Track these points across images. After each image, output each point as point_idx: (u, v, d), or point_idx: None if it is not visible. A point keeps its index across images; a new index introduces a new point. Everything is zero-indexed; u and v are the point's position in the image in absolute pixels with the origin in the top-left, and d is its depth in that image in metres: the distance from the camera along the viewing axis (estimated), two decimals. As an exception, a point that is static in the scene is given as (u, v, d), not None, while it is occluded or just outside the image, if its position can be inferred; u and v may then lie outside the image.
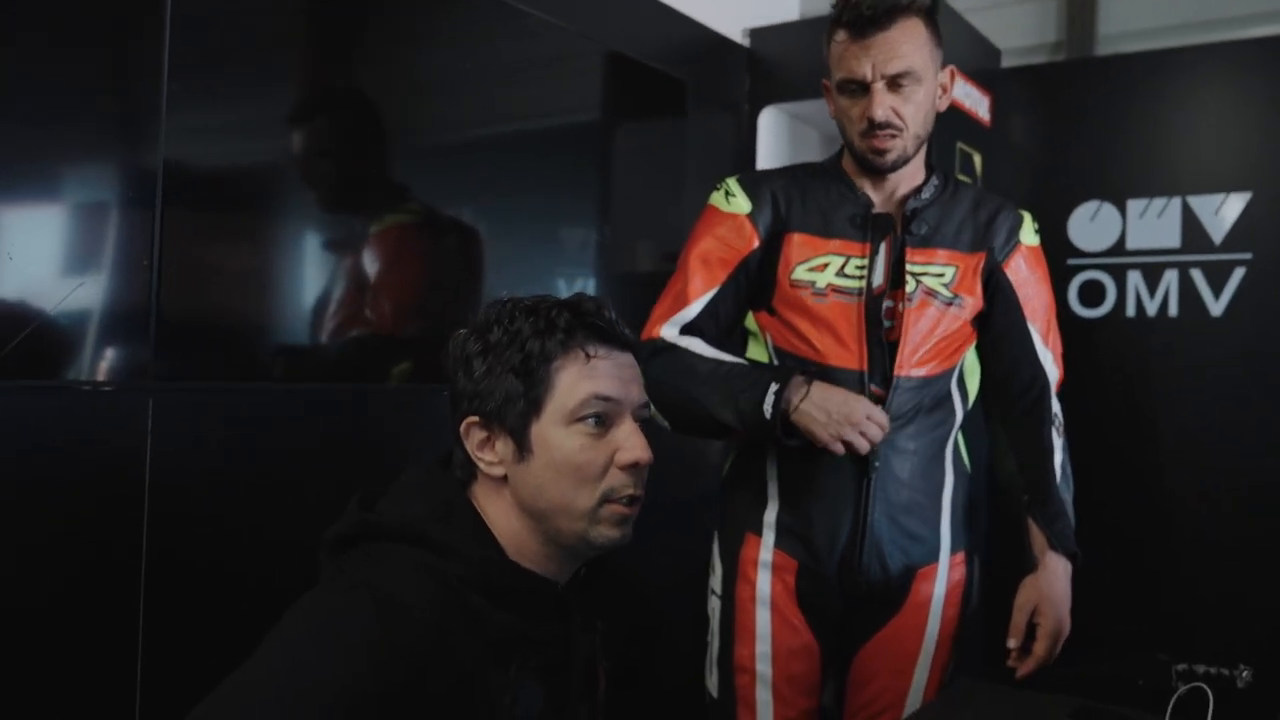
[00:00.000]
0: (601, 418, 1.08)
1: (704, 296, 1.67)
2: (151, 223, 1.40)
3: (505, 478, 1.10)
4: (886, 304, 1.63)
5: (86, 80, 1.37)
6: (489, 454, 1.11)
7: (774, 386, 1.54)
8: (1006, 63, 2.85)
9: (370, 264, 1.79)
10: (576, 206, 2.26)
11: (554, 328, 1.08)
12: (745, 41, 2.74)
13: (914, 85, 1.57)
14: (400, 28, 1.83)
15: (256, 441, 1.55)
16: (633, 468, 1.08)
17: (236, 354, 1.56)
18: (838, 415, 1.53)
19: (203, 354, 1.50)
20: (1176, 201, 2.53)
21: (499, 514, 1.11)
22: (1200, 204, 2.51)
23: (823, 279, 1.64)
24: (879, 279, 1.64)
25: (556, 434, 1.08)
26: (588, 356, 1.08)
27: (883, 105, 1.56)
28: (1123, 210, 2.60)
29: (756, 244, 1.67)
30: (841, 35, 1.58)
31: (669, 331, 1.67)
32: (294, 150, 1.66)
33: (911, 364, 1.63)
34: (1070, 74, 2.78)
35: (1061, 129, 2.72)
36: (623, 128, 2.38)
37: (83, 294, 1.34)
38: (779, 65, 2.66)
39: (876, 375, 1.62)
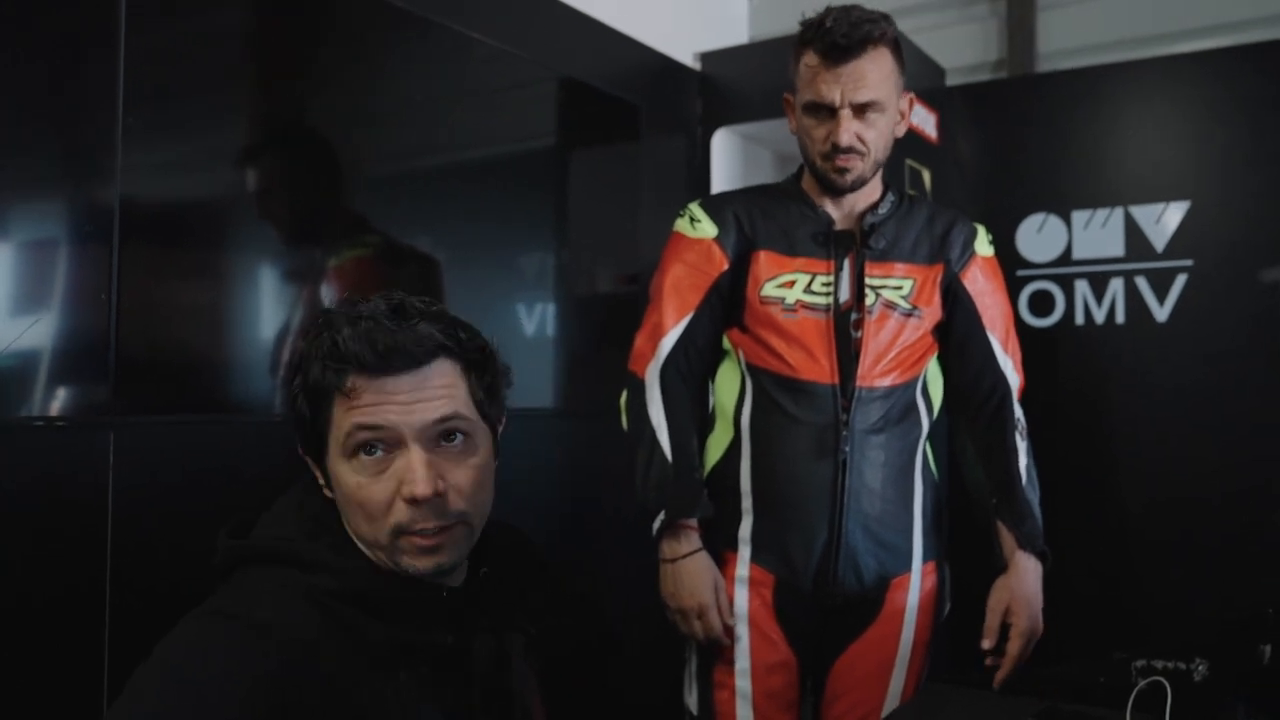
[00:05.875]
0: (373, 447, 1.02)
1: (679, 325, 1.72)
2: (109, 257, 1.39)
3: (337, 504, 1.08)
4: (854, 316, 1.67)
5: (40, 116, 1.36)
6: (320, 478, 1.09)
7: (662, 516, 1.65)
8: (951, 81, 2.92)
9: (330, 297, 1.79)
10: (534, 231, 2.28)
11: (322, 353, 1.02)
12: (697, 65, 2.78)
13: (878, 113, 1.63)
14: (354, 57, 1.84)
15: (219, 474, 1.54)
16: (414, 503, 1.01)
17: (197, 387, 1.55)
18: (693, 600, 1.65)
19: (163, 387, 1.49)
20: (1119, 212, 2.60)
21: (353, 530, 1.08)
22: (1142, 214, 2.58)
23: (791, 295, 1.68)
24: (845, 294, 1.68)
25: (340, 469, 1.04)
26: (350, 389, 1.01)
27: (848, 131, 1.61)
28: (1068, 221, 2.66)
29: (726, 266, 1.72)
30: (813, 59, 1.62)
31: (651, 372, 1.73)
32: (250, 183, 1.66)
33: (874, 375, 1.66)
34: (1013, 91, 2.85)
35: (1006, 144, 2.78)
36: (578, 152, 2.40)
37: (41, 329, 1.33)
38: (730, 88, 2.70)
39: (848, 388, 1.65)
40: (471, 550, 1.12)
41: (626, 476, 1.73)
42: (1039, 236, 2.69)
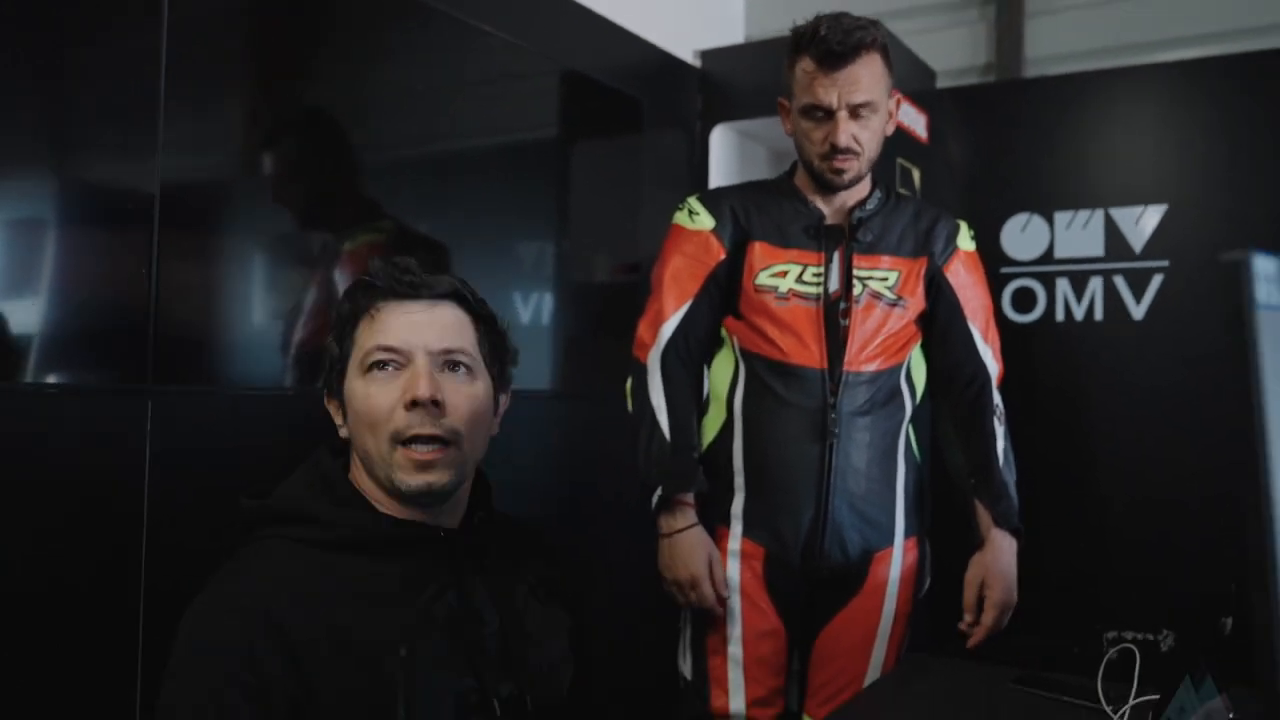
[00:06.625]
0: (385, 364, 1.15)
1: (678, 312, 1.80)
2: (150, 235, 1.46)
3: (349, 438, 1.20)
4: (843, 305, 1.76)
5: (84, 100, 1.43)
6: (338, 418, 1.21)
7: (659, 493, 1.74)
8: (941, 84, 2.99)
9: (343, 281, 1.85)
10: (536, 221, 2.33)
11: (356, 292, 1.20)
12: (697, 62, 2.85)
13: (872, 114, 1.71)
14: (362, 47, 1.88)
15: (254, 443, 1.60)
16: (414, 406, 1.12)
17: (230, 360, 1.62)
18: (686, 572, 1.73)
19: (200, 358, 1.56)
20: (1100, 213, 2.69)
21: (362, 476, 1.19)
22: (1121, 215, 2.67)
23: (784, 285, 1.76)
24: (835, 285, 1.76)
25: (355, 385, 1.17)
26: (374, 312, 1.17)
27: (846, 132, 1.69)
28: (1050, 221, 2.75)
29: (723, 256, 1.79)
30: (809, 65, 1.70)
31: (652, 357, 1.81)
32: (272, 166, 1.72)
33: (860, 360, 1.75)
34: (1000, 95, 2.93)
35: (993, 146, 2.86)
36: (581, 145, 2.45)
37: (86, 301, 1.40)
38: (729, 85, 2.77)
39: (836, 372, 1.74)
40: (468, 505, 1.23)
41: (628, 456, 1.81)
42: (1022, 235, 2.78)
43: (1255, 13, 2.75)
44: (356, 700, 1.05)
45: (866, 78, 1.69)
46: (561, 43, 2.35)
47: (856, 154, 1.72)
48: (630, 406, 1.84)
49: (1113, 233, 2.68)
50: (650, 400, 1.78)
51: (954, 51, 3.14)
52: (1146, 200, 2.64)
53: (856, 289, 1.75)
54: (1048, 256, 2.75)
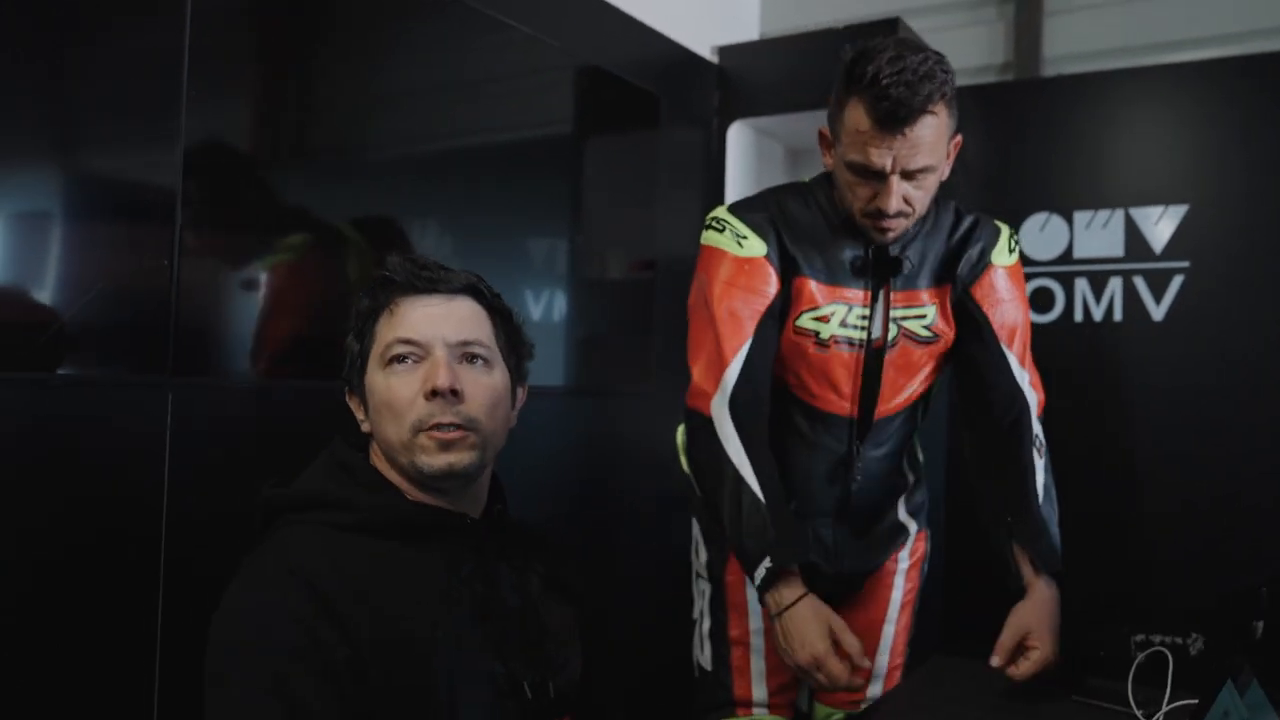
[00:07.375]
0: (405, 357, 1.17)
1: (740, 354, 1.57)
2: (172, 228, 1.46)
3: (372, 432, 1.21)
4: (881, 352, 1.64)
5: (108, 91, 1.42)
6: (360, 413, 1.23)
7: (767, 563, 1.48)
8: (959, 82, 2.95)
9: (265, 300, 1.75)
10: (552, 216, 2.33)
11: (375, 288, 1.22)
12: (714, 59, 2.84)
13: (929, 174, 1.51)
14: (380, 40, 1.87)
15: (275, 435, 1.60)
16: (434, 395, 1.15)
17: (248, 353, 1.61)
18: (806, 654, 1.45)
19: (220, 351, 1.56)
20: (1119, 213, 2.68)
21: (382, 467, 1.20)
22: (1141, 215, 2.65)
23: (826, 330, 1.61)
24: (878, 331, 1.62)
25: (375, 377, 1.19)
26: (394, 307, 1.19)
27: (896, 197, 1.49)
28: (1070, 221, 2.73)
29: (778, 287, 1.60)
30: (862, 120, 1.46)
31: (717, 408, 1.56)
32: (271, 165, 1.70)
33: (888, 404, 1.68)
34: (1019, 93, 2.91)
35: (1012, 145, 2.84)
36: (598, 140, 2.45)
37: (107, 293, 1.39)
38: (746, 82, 2.76)
39: (865, 420, 1.67)
40: (486, 492, 1.25)
41: (712, 524, 1.67)
42: (1041, 235, 2.77)
43: (1275, 13, 2.73)
44: (402, 680, 1.05)
45: (929, 139, 1.44)
46: (579, 37, 2.34)
47: (906, 215, 1.52)
48: (687, 464, 1.67)
49: (1132, 233, 2.66)
50: (728, 458, 1.53)
51: (972, 50, 3.13)
52: (1166, 200, 2.62)
53: (891, 332, 1.61)
54: (1066, 256, 2.73)
